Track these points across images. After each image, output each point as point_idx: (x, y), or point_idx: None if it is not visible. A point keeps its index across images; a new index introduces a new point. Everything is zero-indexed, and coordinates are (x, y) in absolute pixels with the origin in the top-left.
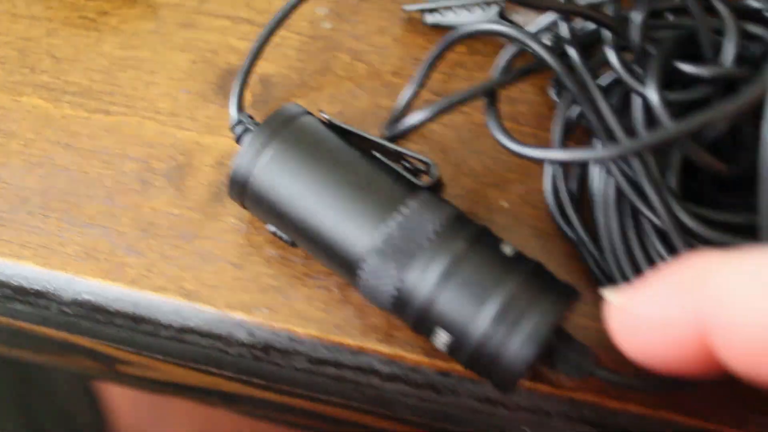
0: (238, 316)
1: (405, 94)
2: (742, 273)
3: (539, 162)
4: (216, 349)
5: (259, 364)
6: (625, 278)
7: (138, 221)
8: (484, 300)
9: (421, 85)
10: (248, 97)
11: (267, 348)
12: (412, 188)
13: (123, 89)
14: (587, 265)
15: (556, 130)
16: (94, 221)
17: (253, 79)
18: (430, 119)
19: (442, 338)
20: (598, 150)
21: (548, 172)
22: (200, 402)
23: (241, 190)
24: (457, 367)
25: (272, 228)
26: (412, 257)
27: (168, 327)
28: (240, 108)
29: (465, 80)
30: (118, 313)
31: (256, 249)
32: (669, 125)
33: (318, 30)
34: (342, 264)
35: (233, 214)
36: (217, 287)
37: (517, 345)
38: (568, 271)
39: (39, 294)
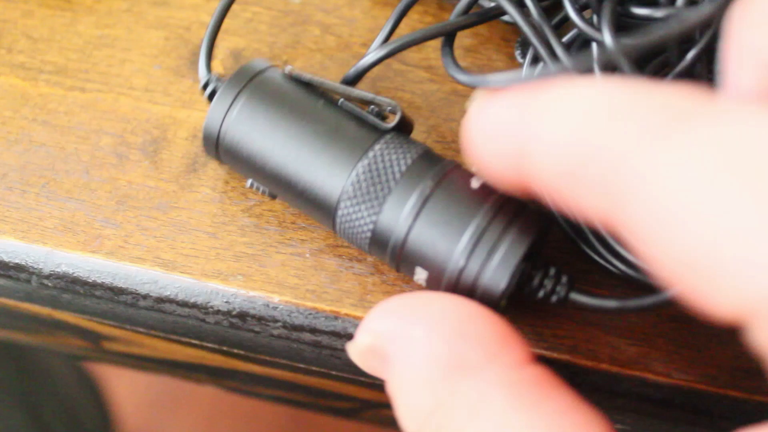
0: (214, 284)
1: (373, 45)
2: (566, 96)
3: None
4: (194, 318)
5: (237, 332)
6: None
7: (114, 194)
8: (455, 235)
9: (390, 34)
10: (220, 69)
11: (243, 315)
12: (379, 131)
13: (98, 67)
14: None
15: None
16: (72, 195)
17: (225, 53)
18: (385, 58)
19: (420, 275)
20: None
21: None
22: (188, 379)
23: (215, 145)
24: None
25: (250, 181)
26: (383, 199)
27: (146, 297)
28: (209, 69)
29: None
30: (96, 285)
31: (230, 218)
32: (626, 68)
33: (288, 5)
34: (320, 212)
35: (208, 185)
36: (193, 256)
37: (491, 275)
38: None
39: (19, 267)
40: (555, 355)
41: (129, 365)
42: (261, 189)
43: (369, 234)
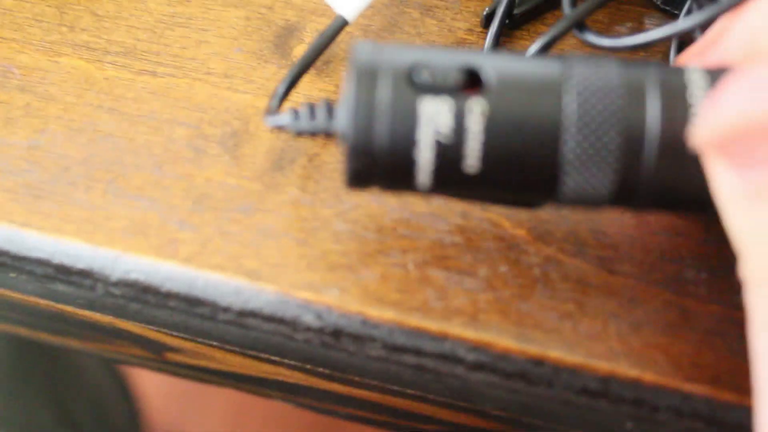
0: (305, 297)
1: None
2: None
3: None
4: (280, 335)
5: (328, 351)
6: None
7: (191, 193)
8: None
9: None
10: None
11: (337, 333)
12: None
13: (171, 49)
14: None
15: None
16: (143, 193)
17: (313, 35)
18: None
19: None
20: None
21: None
22: (255, 394)
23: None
24: (551, 355)
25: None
26: (613, 96)
27: (227, 310)
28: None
29: None
30: (170, 295)
31: (322, 223)
32: None
33: None
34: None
35: (296, 185)
36: (281, 265)
37: None
38: None
39: (83, 273)
40: (694, 387)
41: (190, 377)
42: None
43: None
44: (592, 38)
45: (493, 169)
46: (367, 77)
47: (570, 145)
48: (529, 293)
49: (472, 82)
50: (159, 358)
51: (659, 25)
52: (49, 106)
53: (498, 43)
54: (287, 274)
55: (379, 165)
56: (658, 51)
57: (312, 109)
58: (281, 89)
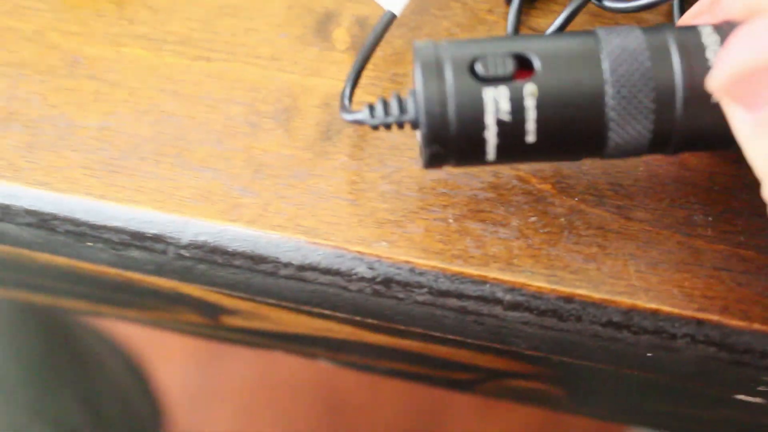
0: (358, 250)
1: None
2: None
3: None
4: (336, 286)
5: (379, 299)
6: None
7: (250, 163)
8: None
9: None
10: (347, 38)
11: (388, 281)
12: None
13: (222, 36)
14: None
15: None
16: (207, 164)
17: (350, 20)
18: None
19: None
20: None
21: None
22: (301, 354)
23: (444, 128)
24: (579, 292)
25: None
26: (641, 44)
27: (288, 265)
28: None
29: None
30: (236, 254)
31: (369, 185)
32: None
33: None
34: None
35: (344, 152)
36: (335, 223)
37: None
38: None
39: (156, 238)
40: (706, 316)
41: (242, 341)
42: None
43: (653, 93)
44: (609, 3)
45: (548, 138)
46: (433, 72)
47: (612, 106)
48: (557, 239)
49: (521, 65)
50: (214, 323)
51: None
52: (115, 91)
53: (519, 20)
54: (341, 231)
55: (452, 148)
56: (663, 10)
57: (385, 104)
58: (348, 88)
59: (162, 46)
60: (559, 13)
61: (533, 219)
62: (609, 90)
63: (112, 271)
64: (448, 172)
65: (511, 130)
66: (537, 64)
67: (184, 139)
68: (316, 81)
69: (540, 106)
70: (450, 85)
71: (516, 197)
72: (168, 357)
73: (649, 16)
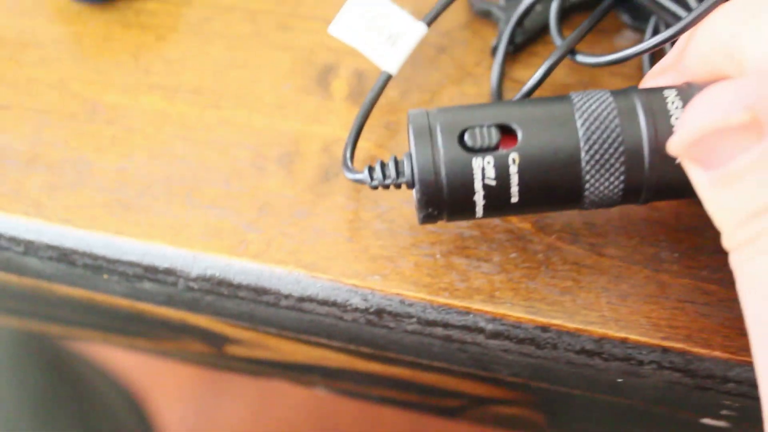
0: (353, 283)
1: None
2: None
3: None
4: (332, 316)
5: (372, 329)
6: None
7: (255, 202)
8: (686, 94)
9: None
10: (345, 88)
11: (380, 312)
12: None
13: (231, 87)
14: None
15: None
16: (215, 203)
17: (348, 72)
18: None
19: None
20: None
21: None
22: (298, 382)
23: (438, 188)
24: (554, 322)
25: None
26: (611, 113)
27: (288, 296)
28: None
29: None
30: (241, 286)
31: (364, 223)
32: None
33: None
34: (565, 170)
35: (342, 194)
36: (332, 258)
37: None
38: None
39: (168, 271)
40: (671, 344)
41: (244, 370)
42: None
43: (623, 156)
44: (582, 59)
45: (530, 198)
46: (427, 142)
47: (586, 169)
48: (535, 274)
49: (505, 131)
50: (218, 353)
51: (634, 43)
52: (132, 136)
53: (503, 73)
54: (338, 265)
55: (444, 209)
56: (633, 63)
57: (383, 166)
58: (349, 145)
59: (175, 95)
60: (538, 66)
61: (514, 255)
62: (584, 154)
63: (125, 302)
64: None
65: (496, 193)
66: (519, 133)
67: (195, 179)
68: (316, 128)
69: (522, 172)
70: (442, 155)
71: (498, 235)
72: (167, 393)
73: (623, 69)
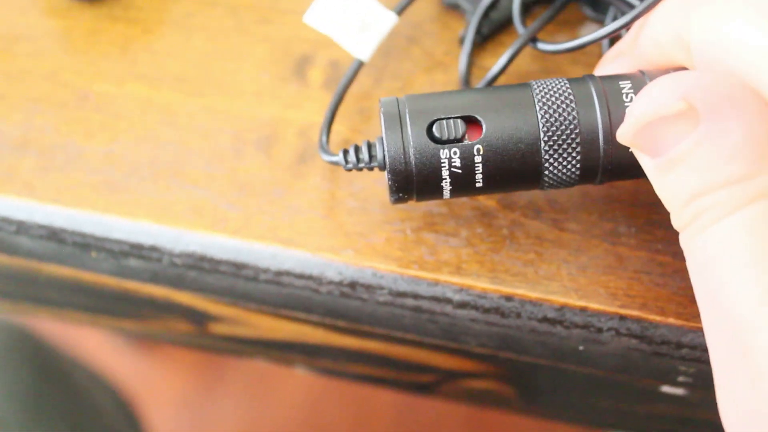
0: (328, 257)
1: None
2: None
3: None
4: (308, 289)
5: (346, 301)
6: None
7: (235, 183)
8: (640, 83)
9: None
10: (321, 77)
11: (353, 284)
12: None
13: (213, 75)
14: None
15: None
16: (198, 184)
17: (324, 62)
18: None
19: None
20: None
21: None
22: (280, 361)
23: (405, 171)
24: (518, 292)
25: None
26: (570, 104)
27: (266, 270)
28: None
29: None
30: (222, 261)
31: (339, 202)
32: None
33: None
34: (525, 158)
35: (317, 174)
36: (308, 234)
37: None
38: None
39: (153, 248)
40: (628, 312)
41: (227, 349)
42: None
43: (578, 138)
44: (543, 46)
45: (493, 182)
46: (398, 132)
47: (545, 156)
48: (500, 247)
49: (471, 120)
50: (201, 332)
51: (591, 31)
52: (119, 122)
53: (470, 62)
54: (313, 240)
55: (414, 191)
56: (594, 52)
57: (357, 151)
58: (324, 129)
59: (160, 84)
60: (501, 49)
61: (480, 230)
62: (543, 144)
63: (112, 280)
64: None
65: (462, 179)
66: (483, 125)
67: (178, 162)
68: (293, 113)
69: (485, 161)
70: (411, 145)
71: (465, 212)
72: (159, 399)
73: (584, 58)
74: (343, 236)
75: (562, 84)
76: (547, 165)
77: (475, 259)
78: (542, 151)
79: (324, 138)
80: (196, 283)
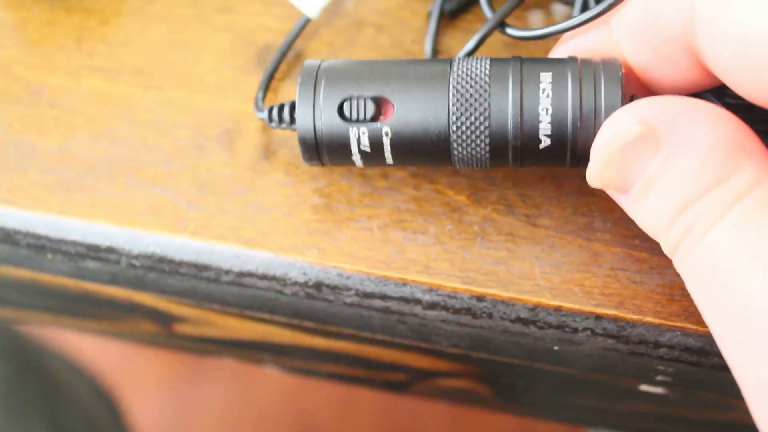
0: (292, 257)
1: None
2: None
3: None
4: (272, 291)
5: (312, 302)
6: None
7: (195, 180)
8: (561, 78)
9: None
10: (284, 68)
11: (319, 285)
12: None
13: (173, 68)
14: None
15: None
16: (156, 182)
17: (289, 55)
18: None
19: (545, 130)
20: None
21: None
22: (249, 360)
23: (314, 140)
24: (490, 291)
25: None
26: (483, 95)
27: (228, 272)
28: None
29: None
30: (182, 263)
31: (303, 199)
32: None
33: (343, 9)
34: (434, 141)
35: (280, 170)
36: (271, 233)
37: (606, 92)
38: None
39: (110, 249)
40: (603, 311)
41: (194, 350)
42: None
43: (486, 123)
44: (512, 32)
45: (403, 159)
46: (309, 104)
47: (453, 139)
48: (471, 245)
49: (382, 102)
50: (167, 332)
51: (565, 18)
52: (74, 118)
53: (435, 44)
54: (277, 240)
55: (325, 161)
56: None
57: (280, 111)
58: (262, 86)
59: (117, 77)
60: (474, 32)
61: (449, 227)
62: (451, 130)
63: (71, 282)
64: (373, 187)
65: (371, 155)
66: (394, 106)
67: (136, 159)
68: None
69: (393, 142)
70: (322, 121)
71: (434, 208)
72: (141, 388)
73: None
74: (308, 235)
75: (483, 68)
76: (455, 147)
77: (444, 258)
78: (450, 139)
79: (260, 95)
80: (156, 285)
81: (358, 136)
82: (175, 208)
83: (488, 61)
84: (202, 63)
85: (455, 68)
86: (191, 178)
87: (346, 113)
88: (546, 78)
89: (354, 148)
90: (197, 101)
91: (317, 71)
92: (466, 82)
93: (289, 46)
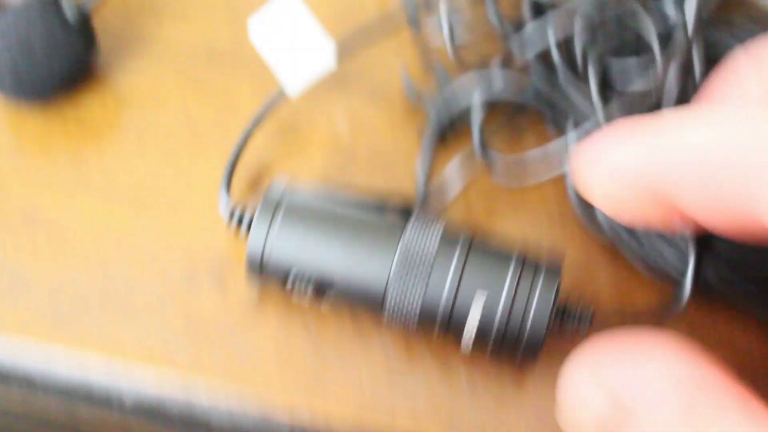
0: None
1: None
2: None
3: None
4: None
5: None
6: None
7: (188, 320)
8: (498, 280)
9: None
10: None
11: None
12: (401, 217)
13: (167, 192)
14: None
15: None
16: (146, 313)
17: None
18: None
19: (471, 325)
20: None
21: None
22: None
23: (260, 263)
24: None
25: (290, 283)
26: (427, 273)
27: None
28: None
29: None
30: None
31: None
32: None
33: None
34: (368, 301)
35: (273, 319)
36: (263, 384)
37: (538, 302)
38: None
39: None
40: None
41: None
42: (304, 288)
43: (420, 302)
44: (499, 180)
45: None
46: (262, 233)
47: (386, 316)
48: None
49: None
50: None
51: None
52: (66, 245)
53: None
54: (268, 392)
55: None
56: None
57: (241, 217)
58: (224, 180)
59: (112, 196)
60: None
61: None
62: (385, 312)
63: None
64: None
65: (311, 300)
66: (335, 285)
67: (128, 289)
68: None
69: (332, 302)
70: (270, 256)
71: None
72: None
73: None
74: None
75: (429, 252)
76: (388, 316)
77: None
78: (384, 317)
79: (225, 187)
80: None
81: (301, 289)
82: (164, 344)
83: (435, 244)
84: (196, 188)
85: (401, 248)
86: (183, 316)
87: (288, 286)
88: (481, 297)
89: (295, 292)
90: (191, 231)
91: (281, 197)
92: (411, 264)
93: (258, 120)
